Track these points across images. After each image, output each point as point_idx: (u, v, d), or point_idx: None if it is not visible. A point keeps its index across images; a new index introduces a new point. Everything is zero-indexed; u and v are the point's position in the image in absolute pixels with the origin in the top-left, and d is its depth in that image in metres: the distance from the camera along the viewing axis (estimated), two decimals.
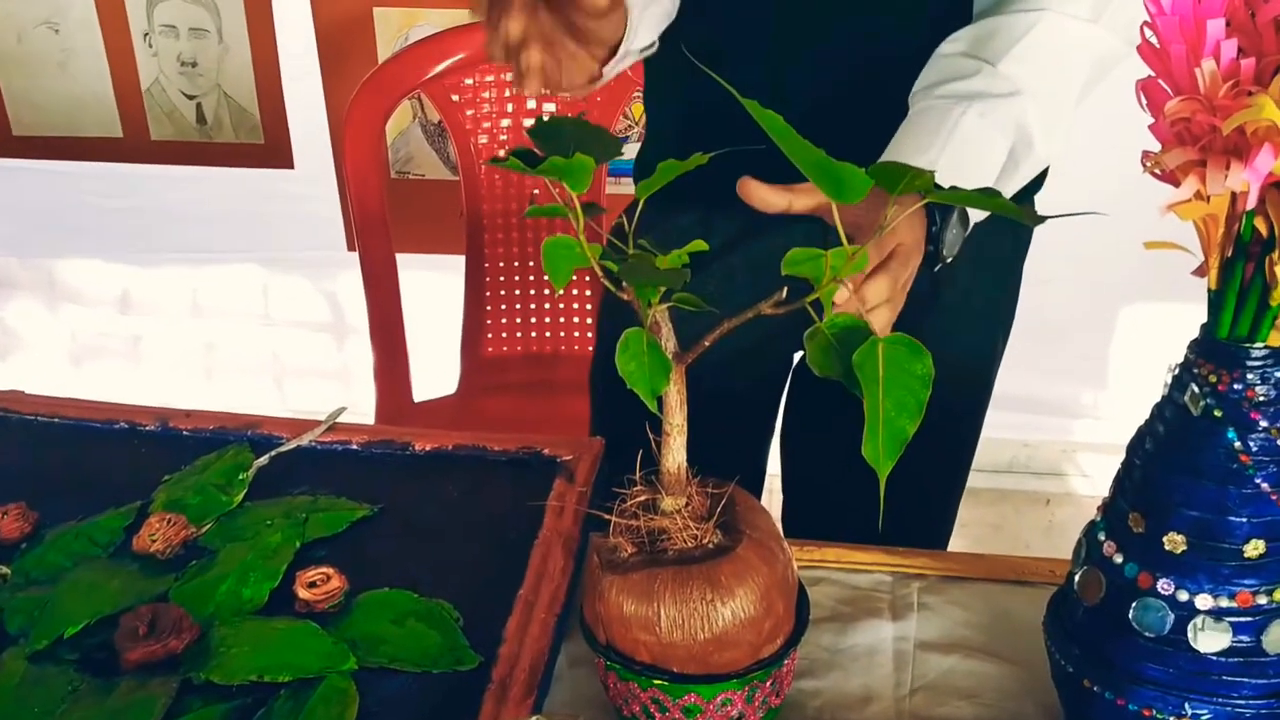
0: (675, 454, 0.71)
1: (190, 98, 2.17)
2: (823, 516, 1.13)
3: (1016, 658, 0.81)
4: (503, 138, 1.72)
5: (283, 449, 0.97)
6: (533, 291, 1.80)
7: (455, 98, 1.70)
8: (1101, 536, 0.68)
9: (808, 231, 0.82)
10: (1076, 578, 0.69)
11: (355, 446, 0.98)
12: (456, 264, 1.79)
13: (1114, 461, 0.70)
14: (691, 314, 0.67)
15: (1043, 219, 0.63)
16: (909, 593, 0.87)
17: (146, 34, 2.12)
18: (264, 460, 0.96)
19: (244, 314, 2.41)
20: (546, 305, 1.80)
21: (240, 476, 0.94)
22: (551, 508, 0.89)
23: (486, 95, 1.72)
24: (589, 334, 1.80)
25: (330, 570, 0.83)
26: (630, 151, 1.08)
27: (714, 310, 0.65)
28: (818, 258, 0.64)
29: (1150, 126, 0.63)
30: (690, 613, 0.69)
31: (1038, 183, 1.04)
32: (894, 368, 0.60)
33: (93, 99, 2.17)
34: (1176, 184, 0.62)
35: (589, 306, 1.80)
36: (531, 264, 1.79)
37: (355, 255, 1.72)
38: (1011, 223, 1.15)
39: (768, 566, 0.71)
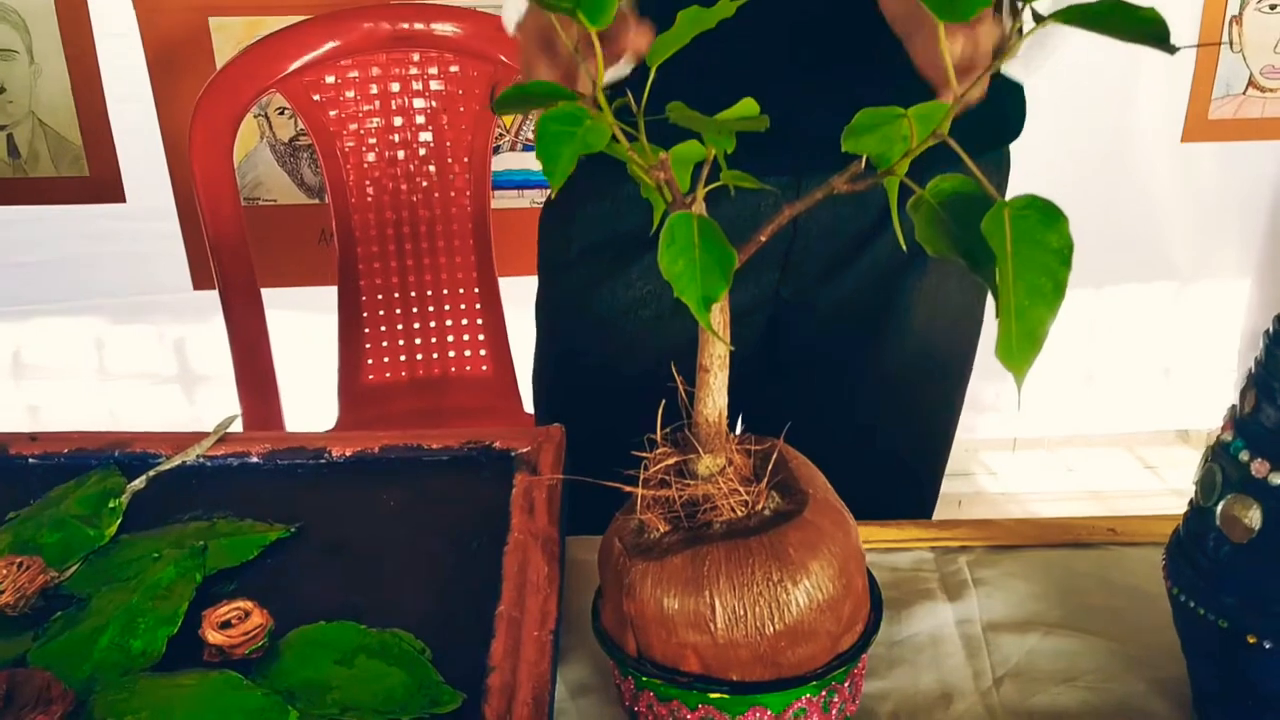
0: (715, 397, 0.55)
1: None
2: None
3: (1104, 629, 0.68)
4: (372, 140, 1.55)
5: (162, 467, 0.77)
6: (415, 310, 1.62)
7: (317, 97, 1.52)
8: (1244, 456, 0.55)
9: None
10: (1219, 510, 0.56)
11: (256, 459, 0.79)
12: (318, 296, 1.60)
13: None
14: None
15: (1176, 49, 0.50)
16: (958, 568, 0.73)
17: None
18: (140, 483, 0.76)
19: (75, 370, 2.15)
20: (432, 324, 1.63)
21: (110, 505, 0.74)
22: (518, 505, 0.72)
23: (352, 95, 1.54)
24: (481, 352, 1.63)
25: (247, 605, 0.64)
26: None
27: (774, 190, 0.49)
28: (895, 120, 0.50)
29: None
30: (754, 599, 0.53)
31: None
32: (1024, 241, 0.46)
33: None
34: None
35: (480, 322, 1.62)
36: (411, 279, 1.61)
37: (203, 294, 1.51)
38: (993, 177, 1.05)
39: (842, 532, 0.55)
